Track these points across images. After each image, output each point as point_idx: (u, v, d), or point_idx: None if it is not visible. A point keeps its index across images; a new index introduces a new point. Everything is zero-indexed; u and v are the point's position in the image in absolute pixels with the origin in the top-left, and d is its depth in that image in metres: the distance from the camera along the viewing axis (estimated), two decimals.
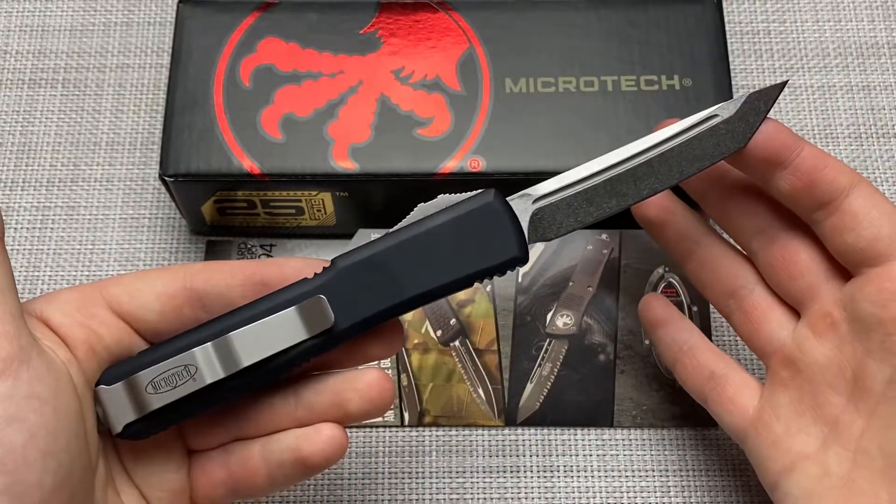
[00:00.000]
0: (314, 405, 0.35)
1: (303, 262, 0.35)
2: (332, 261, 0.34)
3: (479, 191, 0.35)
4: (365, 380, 0.34)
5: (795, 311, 0.38)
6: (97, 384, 0.33)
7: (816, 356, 0.36)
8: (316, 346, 0.33)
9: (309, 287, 0.34)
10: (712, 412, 0.39)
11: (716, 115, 0.36)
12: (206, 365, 0.33)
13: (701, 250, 0.40)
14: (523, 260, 0.34)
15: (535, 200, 0.35)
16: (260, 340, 0.33)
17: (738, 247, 0.40)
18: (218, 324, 0.33)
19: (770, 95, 0.35)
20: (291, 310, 0.33)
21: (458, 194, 0.35)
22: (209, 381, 0.33)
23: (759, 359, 0.38)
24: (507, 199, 0.35)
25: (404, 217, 0.35)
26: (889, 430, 0.34)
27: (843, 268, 0.36)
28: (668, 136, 0.36)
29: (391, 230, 0.34)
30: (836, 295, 0.36)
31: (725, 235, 0.41)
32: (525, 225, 0.35)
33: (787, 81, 0.37)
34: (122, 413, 0.33)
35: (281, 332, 0.33)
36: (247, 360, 0.33)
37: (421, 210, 0.34)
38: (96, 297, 0.34)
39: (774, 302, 0.38)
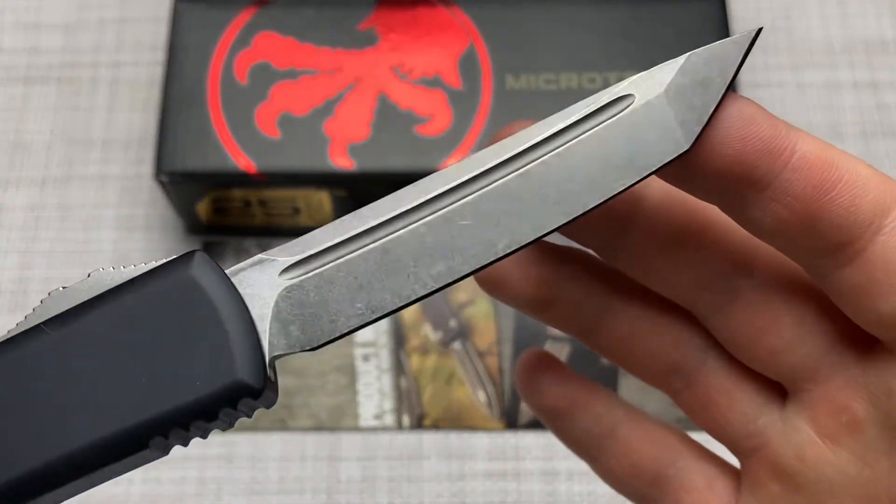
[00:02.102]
0: None
1: None
2: None
3: (175, 256, 0.19)
4: None
5: (773, 383, 0.24)
6: None
7: (827, 471, 0.23)
8: None
9: None
10: None
11: (628, 97, 0.20)
12: None
13: (612, 320, 0.25)
14: (256, 391, 0.18)
15: (287, 271, 0.19)
16: None
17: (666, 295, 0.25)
18: None
19: (729, 56, 0.20)
20: None
21: (136, 266, 0.19)
22: None
23: (727, 449, 0.26)
24: (233, 269, 0.19)
25: None
26: None
27: (858, 329, 0.22)
28: (544, 138, 0.20)
29: None
30: (854, 378, 0.23)
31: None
32: (265, 319, 0.19)
33: (760, 29, 0.21)
34: None
35: None
36: None
37: (54, 298, 0.19)
38: None
39: (741, 374, 0.25)
